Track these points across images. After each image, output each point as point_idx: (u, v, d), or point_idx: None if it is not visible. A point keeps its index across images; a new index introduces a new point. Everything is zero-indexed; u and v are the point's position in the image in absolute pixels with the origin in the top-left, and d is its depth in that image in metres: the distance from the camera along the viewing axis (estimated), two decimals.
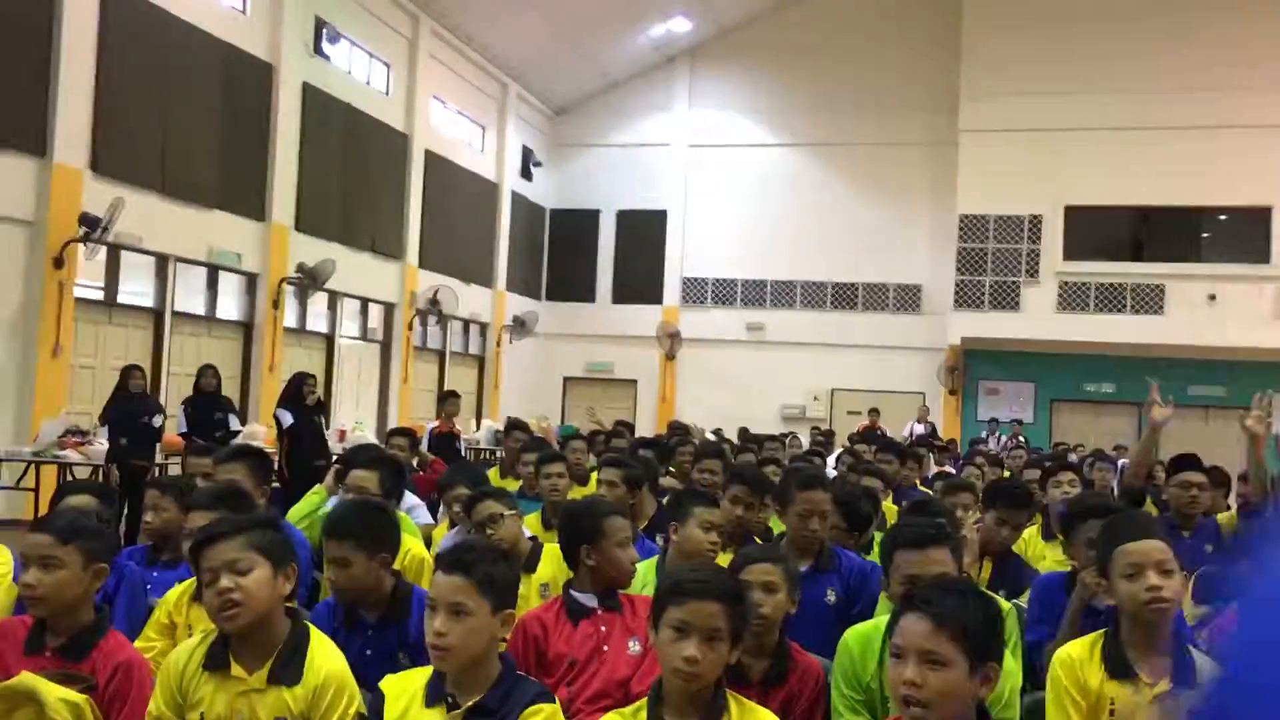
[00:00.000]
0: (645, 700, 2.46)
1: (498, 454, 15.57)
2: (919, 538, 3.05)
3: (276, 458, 9.28)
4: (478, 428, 17.35)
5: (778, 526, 4.82)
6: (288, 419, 9.86)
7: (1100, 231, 19.93)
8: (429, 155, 18.43)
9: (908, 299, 21.36)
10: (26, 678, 2.55)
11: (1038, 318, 19.56)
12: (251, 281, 14.52)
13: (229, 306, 14.39)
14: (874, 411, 17.69)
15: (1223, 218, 19.84)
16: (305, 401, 10.07)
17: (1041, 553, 5.36)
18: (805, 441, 13.04)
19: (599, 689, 3.05)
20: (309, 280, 14.92)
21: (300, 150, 15.00)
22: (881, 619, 3.01)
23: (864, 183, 21.53)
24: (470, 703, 2.51)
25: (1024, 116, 19.46)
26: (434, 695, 2.54)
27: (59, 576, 2.71)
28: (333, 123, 15.75)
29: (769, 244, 21.90)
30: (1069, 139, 19.31)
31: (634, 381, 22.85)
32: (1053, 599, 3.68)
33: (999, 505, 4.53)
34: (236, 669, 2.57)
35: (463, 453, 10.60)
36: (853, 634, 2.99)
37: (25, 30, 10.90)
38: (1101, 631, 2.86)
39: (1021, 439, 15.92)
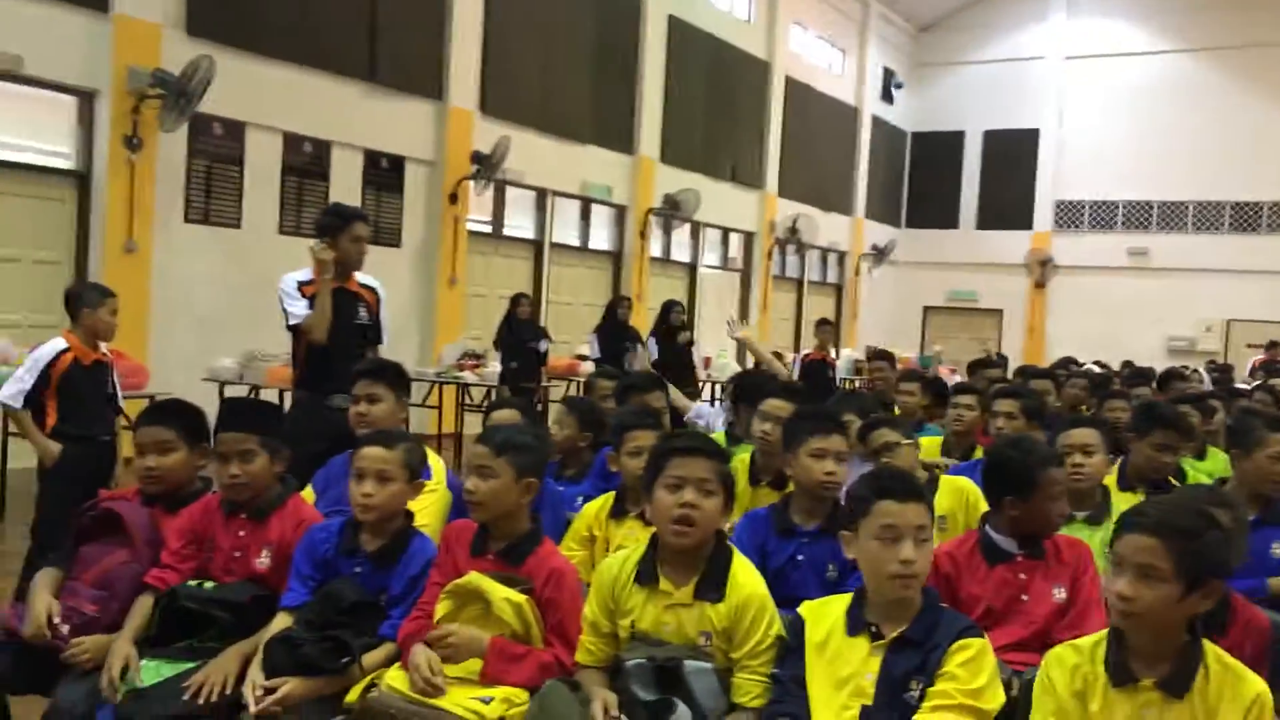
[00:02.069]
0: (1104, 634, 2.29)
1: (856, 383, 15.44)
2: None
3: None
4: (836, 356, 17.21)
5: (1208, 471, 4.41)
6: (654, 351, 10.17)
7: None
8: (789, 82, 18.29)
9: None
10: (475, 577, 2.75)
11: None
12: (620, 213, 15.10)
13: (600, 237, 15.05)
14: (1273, 344, 15.81)
15: None
16: (673, 330, 10.34)
17: None
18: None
19: (1020, 637, 2.87)
20: (673, 211, 15.31)
21: (665, 83, 15.32)
22: None
23: (1267, 89, 19.15)
24: (895, 634, 2.45)
25: None
26: (856, 624, 2.50)
27: (492, 485, 2.88)
28: (696, 54, 15.94)
29: (1155, 162, 20.03)
30: None
31: (999, 311, 21.81)
32: None
33: None
34: (665, 583, 2.65)
35: (836, 380, 10.51)
36: None
37: None
38: None
39: None
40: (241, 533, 3.10)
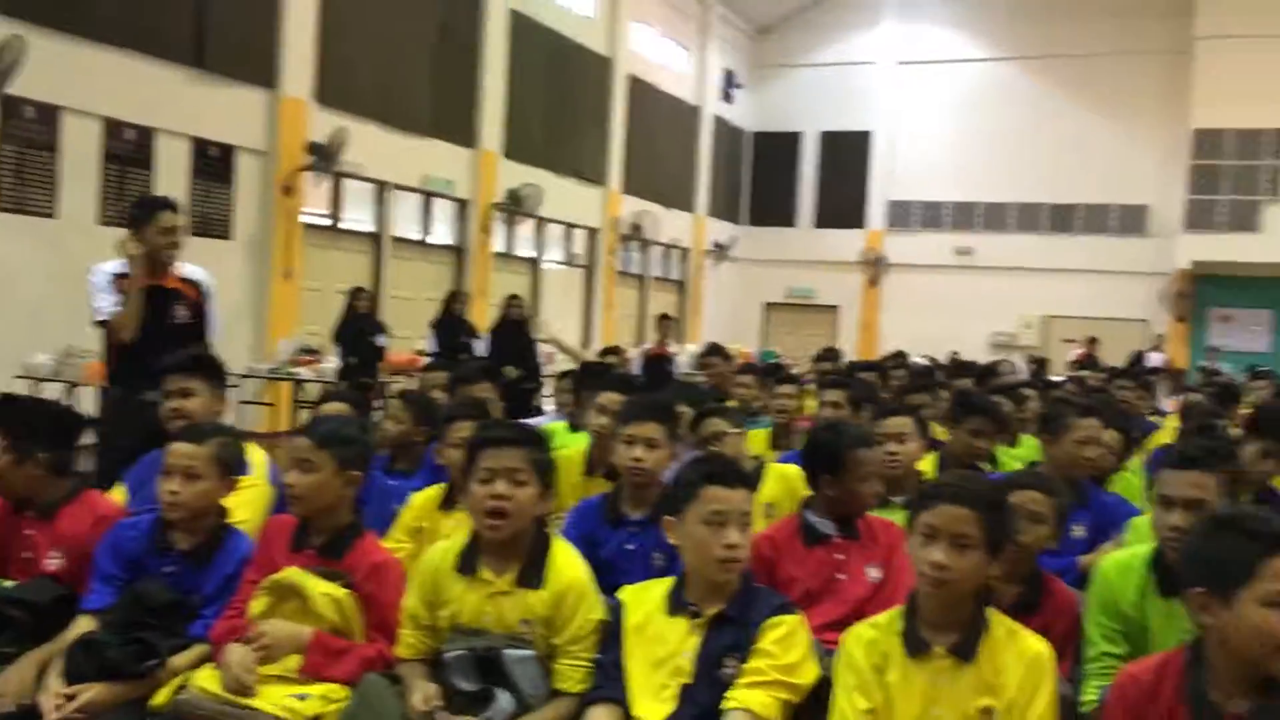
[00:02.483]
0: (899, 610, 2.39)
1: (698, 377, 15.66)
2: (1182, 458, 2.84)
3: None
4: (678, 351, 17.43)
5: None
6: (481, 348, 10.12)
7: None
8: (631, 79, 18.41)
9: (1132, 220, 20.09)
10: (293, 573, 2.68)
11: None
12: (463, 208, 14.93)
13: (442, 232, 14.86)
14: (1092, 340, 16.74)
15: None
16: (512, 325, 10.30)
17: None
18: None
19: (836, 616, 2.97)
20: (516, 206, 15.23)
21: (508, 77, 15.22)
22: (1142, 547, 2.84)
23: (1085, 97, 20.25)
24: (713, 612, 2.51)
25: (1272, 20, 17.81)
26: (676, 605, 2.55)
27: (313, 478, 2.82)
28: (538, 49, 15.89)
29: (980, 165, 20.95)
30: None
31: (835, 308, 22.46)
32: None
33: (1267, 435, 4.15)
34: (485, 572, 2.64)
35: (675, 374, 10.66)
36: (1110, 562, 2.82)
37: None
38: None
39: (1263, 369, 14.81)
40: (29, 531, 2.95)
